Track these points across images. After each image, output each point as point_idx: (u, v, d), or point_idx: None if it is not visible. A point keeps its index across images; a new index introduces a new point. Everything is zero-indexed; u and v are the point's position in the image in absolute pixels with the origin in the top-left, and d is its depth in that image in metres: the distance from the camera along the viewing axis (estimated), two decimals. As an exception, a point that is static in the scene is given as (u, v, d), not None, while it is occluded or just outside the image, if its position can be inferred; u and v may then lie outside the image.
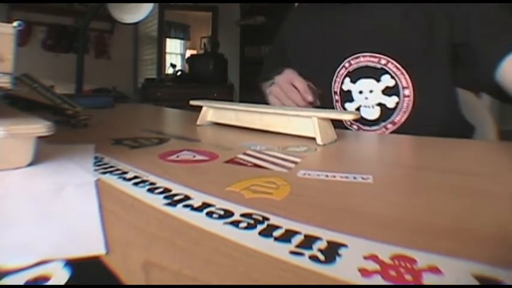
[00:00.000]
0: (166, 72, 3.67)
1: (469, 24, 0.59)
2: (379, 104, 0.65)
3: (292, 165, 0.36)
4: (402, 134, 0.63)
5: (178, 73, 3.59)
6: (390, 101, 0.64)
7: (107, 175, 0.31)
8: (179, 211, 0.23)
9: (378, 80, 0.65)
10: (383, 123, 0.66)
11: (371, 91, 0.65)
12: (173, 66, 3.66)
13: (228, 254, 0.18)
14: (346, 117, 0.46)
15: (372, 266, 0.17)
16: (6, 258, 0.16)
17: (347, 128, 0.70)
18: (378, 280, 0.15)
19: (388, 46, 0.64)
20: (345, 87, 0.68)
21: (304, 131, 0.49)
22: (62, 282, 0.15)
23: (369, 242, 0.19)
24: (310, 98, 0.62)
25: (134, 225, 0.21)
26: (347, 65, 0.67)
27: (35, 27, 2.93)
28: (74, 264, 0.16)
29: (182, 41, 3.92)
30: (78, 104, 0.69)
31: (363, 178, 0.31)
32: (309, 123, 0.48)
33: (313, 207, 0.25)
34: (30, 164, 0.33)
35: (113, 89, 2.67)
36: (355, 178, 0.31)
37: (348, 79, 0.68)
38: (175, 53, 3.87)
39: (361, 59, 0.66)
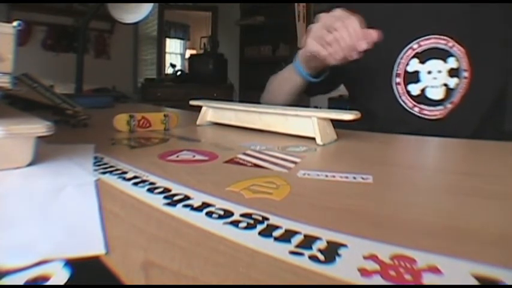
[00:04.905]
0: (166, 72, 3.67)
1: None
2: (445, 84, 0.67)
3: (292, 165, 0.36)
4: (458, 115, 0.66)
5: (178, 73, 3.59)
6: (452, 82, 0.67)
7: (107, 175, 0.31)
8: (179, 211, 0.23)
9: (445, 62, 0.67)
10: (445, 103, 0.68)
11: (439, 71, 0.67)
12: (173, 66, 3.66)
13: (228, 254, 0.18)
14: (346, 117, 0.46)
15: (371, 266, 0.17)
16: (6, 258, 0.16)
17: (408, 112, 0.69)
18: (377, 280, 0.15)
19: (455, 28, 0.65)
20: (411, 69, 0.69)
21: (304, 131, 0.49)
22: (62, 282, 0.15)
23: (368, 242, 0.19)
24: (364, 45, 0.54)
25: (134, 225, 0.21)
26: (415, 46, 0.68)
27: (35, 27, 2.92)
28: (73, 264, 0.16)
29: (182, 41, 3.92)
30: (78, 103, 0.68)
31: (362, 178, 0.31)
32: (308, 123, 0.48)
33: (313, 207, 0.25)
34: (30, 164, 0.32)
35: (112, 88, 2.67)
36: (355, 178, 0.31)
37: (415, 60, 0.68)
38: (175, 53, 3.88)
39: (432, 40, 0.67)
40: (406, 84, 0.70)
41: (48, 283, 0.15)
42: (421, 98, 0.68)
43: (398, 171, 0.37)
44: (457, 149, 0.50)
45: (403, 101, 0.70)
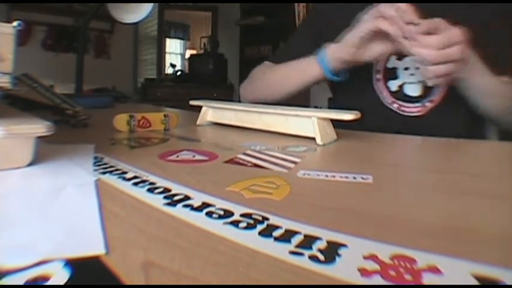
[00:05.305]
0: (166, 72, 3.67)
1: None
2: (422, 81, 0.68)
3: (292, 165, 0.36)
4: (438, 114, 0.66)
5: (178, 73, 3.59)
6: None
7: (107, 175, 0.31)
8: (179, 211, 0.23)
9: None
10: (423, 101, 0.68)
11: (417, 68, 0.67)
12: (173, 66, 3.66)
13: (228, 254, 0.18)
14: (346, 117, 0.46)
15: (371, 266, 0.17)
16: (6, 258, 0.16)
17: (387, 107, 0.70)
18: (377, 280, 0.15)
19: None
20: (390, 65, 0.70)
21: (304, 131, 0.49)
22: (62, 282, 0.15)
23: (368, 242, 0.19)
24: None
25: (134, 225, 0.21)
26: None
27: (35, 27, 2.92)
28: (73, 264, 0.16)
29: (182, 41, 3.92)
30: (78, 103, 0.68)
31: (362, 178, 0.31)
32: (308, 123, 0.48)
33: (313, 207, 0.25)
34: (30, 164, 0.32)
35: (112, 88, 2.67)
36: (355, 178, 0.31)
37: (393, 57, 0.69)
38: (175, 53, 3.87)
39: None
40: (386, 80, 0.71)
41: (48, 283, 0.15)
42: (400, 94, 0.69)
43: (398, 171, 0.37)
44: (457, 149, 0.50)
45: (383, 97, 0.71)
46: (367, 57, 0.61)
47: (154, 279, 0.16)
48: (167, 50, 3.77)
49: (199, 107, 0.64)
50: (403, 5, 0.54)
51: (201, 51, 3.74)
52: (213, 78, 3.36)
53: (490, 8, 0.65)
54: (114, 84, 2.80)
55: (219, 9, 3.75)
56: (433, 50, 0.51)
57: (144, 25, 3.48)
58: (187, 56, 3.77)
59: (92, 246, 0.18)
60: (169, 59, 3.77)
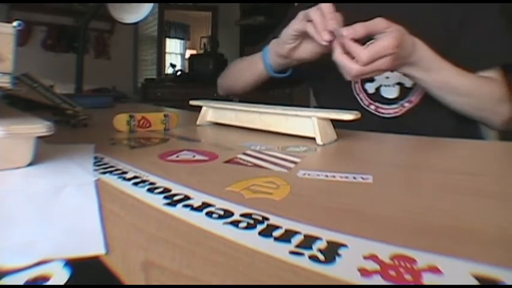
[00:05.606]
0: (166, 72, 3.68)
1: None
2: (399, 83, 0.68)
3: (292, 165, 0.36)
4: (417, 114, 0.67)
5: (178, 73, 3.59)
6: (408, 81, 0.67)
7: (107, 175, 0.31)
8: (179, 211, 0.23)
9: None
10: (401, 102, 0.69)
11: (392, 71, 0.66)
12: (173, 66, 3.66)
13: (228, 254, 0.18)
14: (346, 117, 0.46)
15: (371, 266, 0.17)
16: (6, 258, 0.16)
17: (364, 109, 0.71)
18: (377, 280, 0.15)
19: (413, 30, 0.64)
20: None
21: (304, 131, 0.49)
22: (62, 282, 0.15)
23: (368, 242, 0.19)
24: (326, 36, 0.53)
25: (134, 225, 0.21)
26: None
27: (35, 27, 2.92)
28: (73, 264, 0.16)
29: (182, 41, 3.92)
30: (78, 104, 0.69)
31: (362, 178, 0.31)
32: (308, 123, 0.48)
33: (313, 207, 0.25)
34: (30, 164, 0.32)
35: (112, 88, 2.67)
36: (355, 178, 0.31)
37: None
38: (175, 53, 3.88)
39: None
40: (363, 83, 0.72)
41: (48, 283, 0.15)
42: (377, 96, 0.70)
43: (398, 171, 0.37)
44: (457, 149, 0.50)
45: (360, 99, 0.72)
46: (302, 55, 0.62)
47: (154, 279, 0.16)
48: (167, 50, 3.77)
49: (199, 107, 0.64)
50: (324, 6, 0.53)
51: (201, 51, 3.74)
52: (213, 78, 3.34)
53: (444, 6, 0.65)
54: (114, 84, 2.79)
55: (219, 9, 3.75)
56: (358, 65, 0.49)
57: (144, 25, 3.48)
58: (187, 56, 3.77)
59: (92, 246, 0.18)
60: (169, 59, 3.77)
